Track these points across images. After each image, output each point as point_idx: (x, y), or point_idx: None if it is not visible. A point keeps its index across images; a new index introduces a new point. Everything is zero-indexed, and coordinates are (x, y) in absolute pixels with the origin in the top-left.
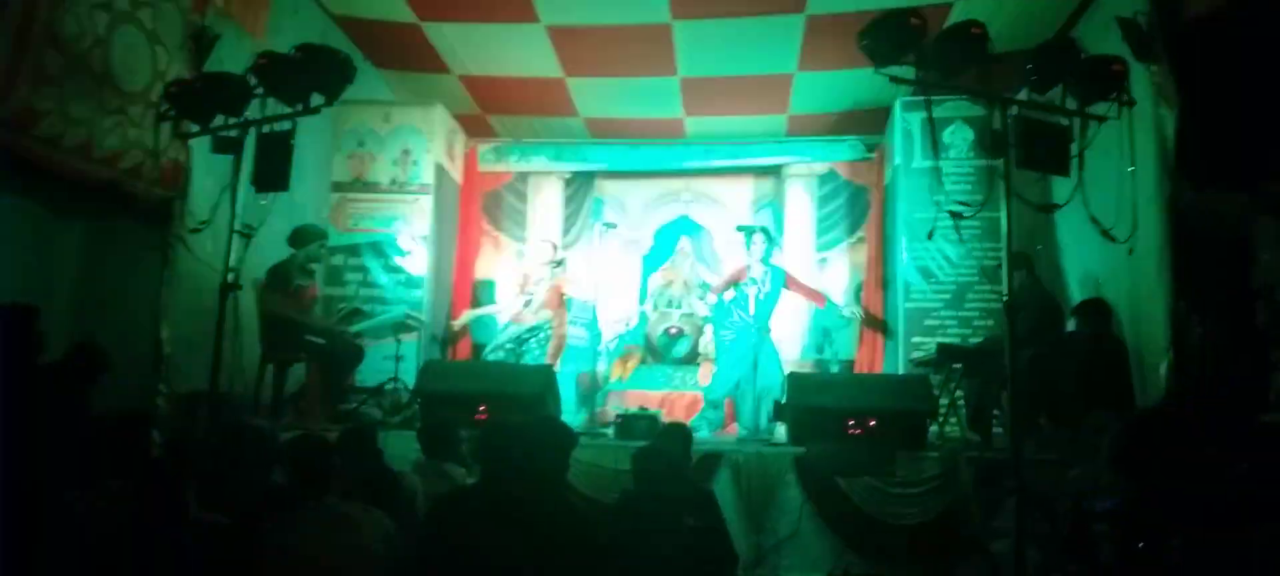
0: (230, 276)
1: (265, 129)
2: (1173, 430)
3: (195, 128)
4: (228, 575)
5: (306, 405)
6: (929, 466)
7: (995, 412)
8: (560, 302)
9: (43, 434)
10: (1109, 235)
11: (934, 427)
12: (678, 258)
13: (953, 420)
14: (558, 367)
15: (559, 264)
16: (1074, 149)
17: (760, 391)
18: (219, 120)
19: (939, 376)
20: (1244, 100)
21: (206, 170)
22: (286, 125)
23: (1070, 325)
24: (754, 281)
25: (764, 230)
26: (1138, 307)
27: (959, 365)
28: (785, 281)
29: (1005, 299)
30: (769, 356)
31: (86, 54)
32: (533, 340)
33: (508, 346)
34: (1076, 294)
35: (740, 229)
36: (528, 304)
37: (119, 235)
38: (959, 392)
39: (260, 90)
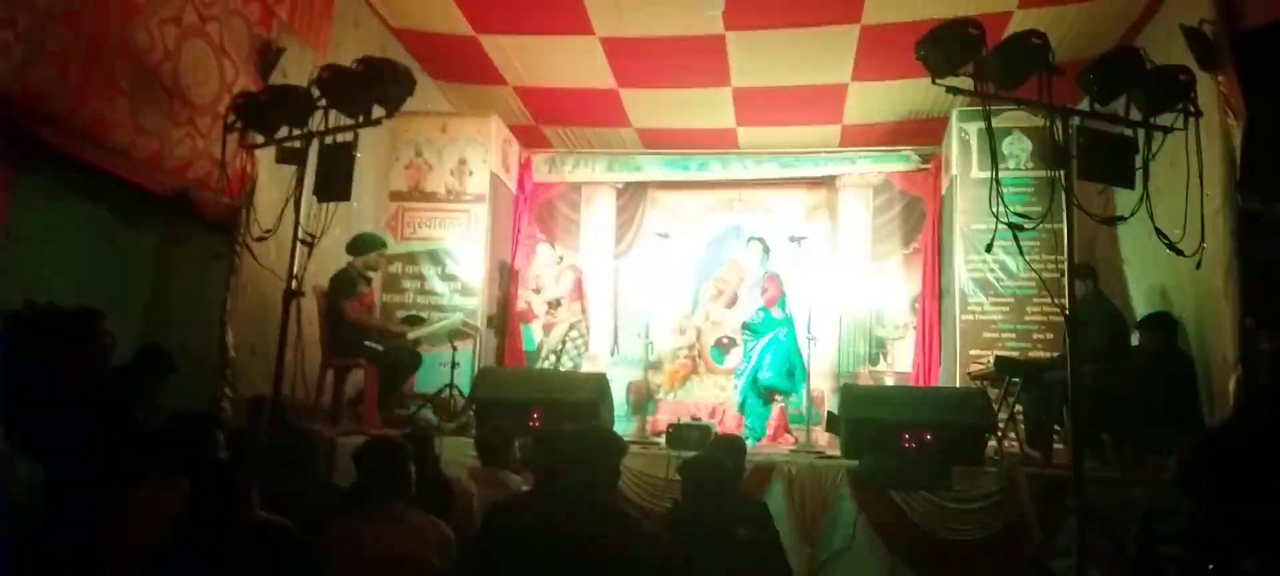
0: (293, 284)
1: (328, 140)
2: (1242, 449)
3: (260, 138)
4: None
5: (365, 410)
6: (987, 482)
7: (1056, 428)
8: (581, 293)
9: (109, 431)
10: (1175, 248)
11: (992, 442)
12: (729, 268)
13: (1011, 435)
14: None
15: (560, 259)
16: (1139, 160)
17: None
18: (283, 131)
19: (997, 389)
20: None
21: (271, 180)
22: (348, 136)
23: (1135, 339)
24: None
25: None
26: (1204, 322)
27: (1017, 378)
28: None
29: (1067, 312)
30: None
31: (157, 66)
32: (570, 339)
33: (550, 357)
34: (1142, 307)
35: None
36: (556, 306)
37: (187, 243)
38: (1017, 406)
39: (323, 102)
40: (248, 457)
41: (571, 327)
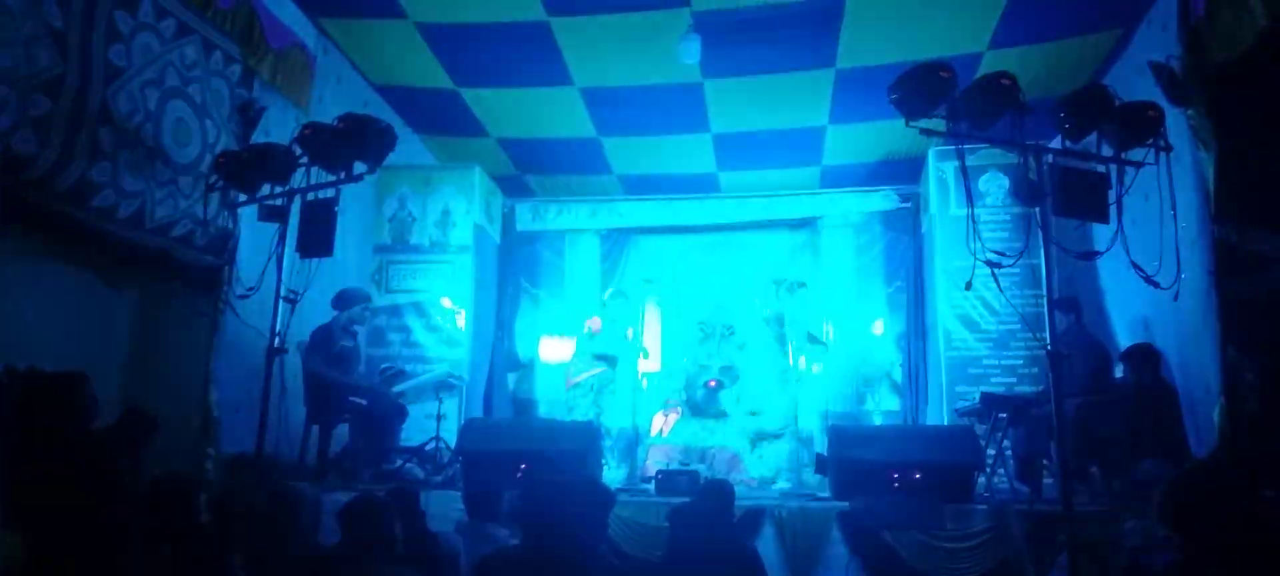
0: (276, 341)
1: (310, 197)
2: (1228, 480)
3: (243, 197)
4: None
5: (350, 466)
6: (978, 520)
7: (1044, 462)
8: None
9: (92, 499)
10: (1152, 281)
11: (981, 479)
12: (714, 311)
13: (1000, 471)
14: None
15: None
16: (1112, 195)
17: None
18: (265, 189)
19: (984, 426)
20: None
21: (254, 237)
22: (330, 192)
23: (1119, 371)
24: None
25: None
26: (1187, 352)
27: (1004, 414)
28: None
29: (1048, 347)
30: None
31: (139, 128)
32: (608, 388)
33: (584, 402)
34: (1124, 339)
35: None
36: (599, 356)
37: (170, 301)
38: (1006, 443)
39: (305, 159)
40: (230, 520)
41: (605, 380)
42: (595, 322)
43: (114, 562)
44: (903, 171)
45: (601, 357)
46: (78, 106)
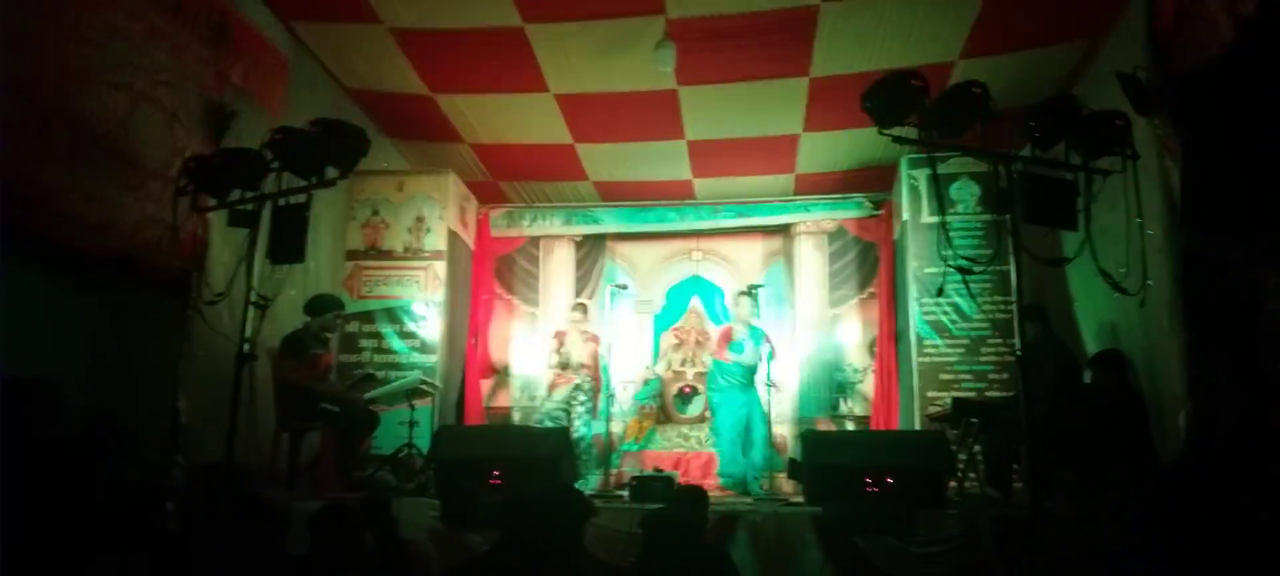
0: (246, 347)
1: (281, 202)
2: (1194, 485)
3: (213, 201)
4: None
5: (322, 474)
6: (949, 524)
7: (1014, 467)
8: (595, 357)
9: (59, 509)
10: (1119, 287)
11: (953, 484)
12: (689, 317)
13: (971, 476)
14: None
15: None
16: (1080, 203)
17: (748, 444)
18: (236, 194)
19: (956, 431)
20: (1244, 151)
21: (224, 243)
22: (302, 197)
23: (1087, 376)
24: (741, 342)
25: (752, 290)
26: (1153, 357)
27: (976, 420)
28: (763, 339)
29: (1018, 353)
30: (757, 411)
31: (106, 133)
32: (578, 399)
33: (556, 412)
34: (1092, 344)
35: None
36: (566, 365)
37: (138, 308)
38: (977, 448)
39: (276, 164)
40: (198, 529)
41: (577, 388)
42: (565, 331)
43: (80, 571)
44: (876, 179)
45: (570, 365)
46: (46, 110)
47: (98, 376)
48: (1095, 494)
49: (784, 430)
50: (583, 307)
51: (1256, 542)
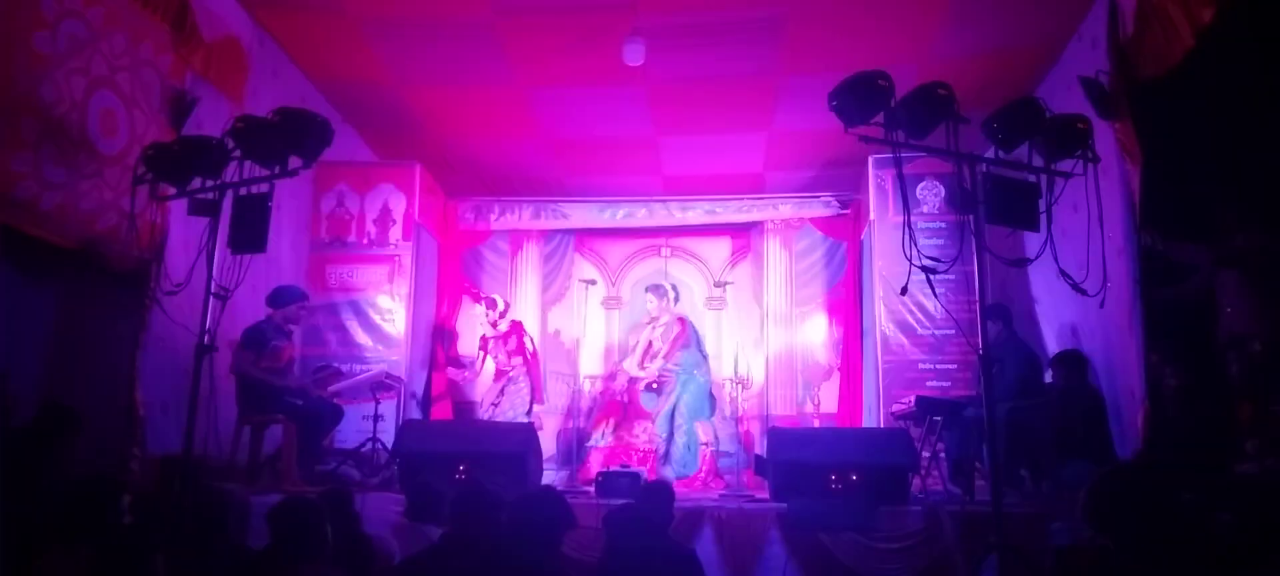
0: (206, 338)
1: (242, 191)
2: (1149, 482)
3: (173, 190)
4: None
5: (283, 467)
6: (912, 521)
7: (976, 465)
8: (522, 346)
9: (10, 496)
10: (1079, 288)
11: (916, 481)
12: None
13: (934, 473)
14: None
15: (503, 313)
16: (1042, 205)
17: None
18: (196, 183)
19: (919, 429)
20: (1202, 156)
21: (184, 232)
22: (264, 187)
23: (1048, 376)
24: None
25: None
26: (1112, 358)
27: (939, 418)
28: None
29: (981, 352)
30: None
31: (63, 118)
32: (510, 388)
33: (490, 406)
34: (1053, 345)
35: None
36: (494, 361)
37: (94, 297)
38: (940, 445)
39: (238, 153)
40: (155, 522)
41: (509, 381)
42: (516, 323)
43: (31, 563)
44: (843, 179)
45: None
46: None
47: (53, 367)
48: (1054, 490)
49: (752, 427)
50: (496, 300)
51: (1214, 541)
